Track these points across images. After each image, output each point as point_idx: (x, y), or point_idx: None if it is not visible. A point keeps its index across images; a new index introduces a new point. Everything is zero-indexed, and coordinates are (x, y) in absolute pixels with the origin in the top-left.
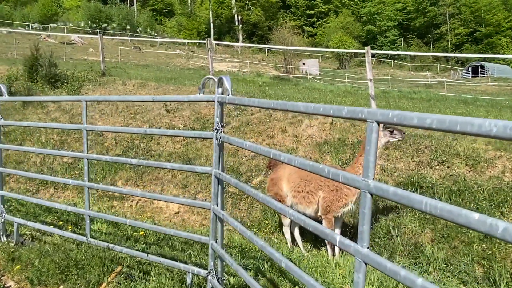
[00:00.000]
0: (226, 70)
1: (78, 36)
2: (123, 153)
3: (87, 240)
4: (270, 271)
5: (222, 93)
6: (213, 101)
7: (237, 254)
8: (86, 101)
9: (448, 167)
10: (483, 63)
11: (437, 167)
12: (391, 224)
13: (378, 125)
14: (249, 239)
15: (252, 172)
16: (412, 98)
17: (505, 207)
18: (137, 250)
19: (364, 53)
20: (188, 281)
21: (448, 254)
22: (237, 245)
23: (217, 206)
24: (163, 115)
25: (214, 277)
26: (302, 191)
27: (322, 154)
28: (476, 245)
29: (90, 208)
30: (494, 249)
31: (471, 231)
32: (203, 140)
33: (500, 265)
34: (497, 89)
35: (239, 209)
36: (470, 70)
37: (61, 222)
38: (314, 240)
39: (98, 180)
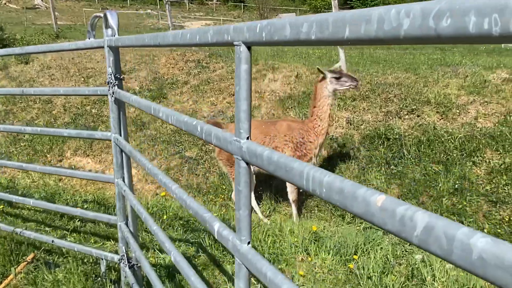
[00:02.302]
0: None
1: (42, 0)
2: (72, 121)
3: None
4: (212, 246)
5: (113, 35)
6: (103, 46)
7: (180, 228)
8: None
9: (418, 116)
10: None
11: (407, 116)
12: (356, 181)
13: (249, 49)
14: (144, 221)
15: None
16: (389, 48)
17: (477, 156)
18: (66, 232)
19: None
20: (102, 268)
21: None
22: (183, 216)
23: (123, 180)
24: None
25: (126, 264)
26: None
27: (285, 109)
28: (446, 199)
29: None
30: (464, 203)
31: (439, 185)
32: (159, 102)
33: (471, 220)
34: None
35: (196, 174)
36: None
37: None
38: (279, 203)
39: (45, 152)
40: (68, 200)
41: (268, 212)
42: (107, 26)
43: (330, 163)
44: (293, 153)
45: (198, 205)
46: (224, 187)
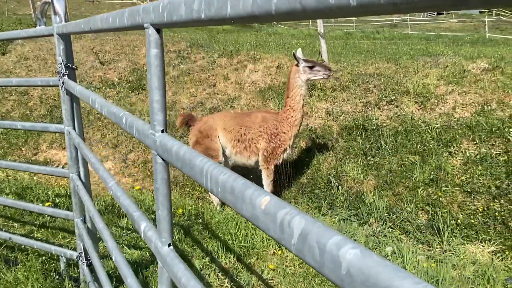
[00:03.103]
0: None
1: None
2: (48, 113)
3: None
4: (183, 241)
5: (61, 22)
6: (52, 34)
7: (151, 222)
8: None
9: (397, 107)
10: None
11: (385, 107)
12: (333, 172)
13: (158, 31)
14: (91, 218)
15: None
16: (374, 38)
17: (453, 146)
18: (34, 227)
19: None
20: (62, 266)
21: (390, 202)
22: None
23: (79, 174)
24: (97, 68)
25: (83, 262)
26: (244, 140)
27: (265, 101)
28: (421, 190)
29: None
30: (439, 193)
31: (415, 175)
32: (138, 94)
33: (445, 210)
34: (460, 25)
35: (173, 166)
36: None
37: None
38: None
39: (20, 145)
40: (39, 195)
41: None
42: (55, 12)
43: (308, 154)
44: (267, 144)
45: (129, 202)
46: None
